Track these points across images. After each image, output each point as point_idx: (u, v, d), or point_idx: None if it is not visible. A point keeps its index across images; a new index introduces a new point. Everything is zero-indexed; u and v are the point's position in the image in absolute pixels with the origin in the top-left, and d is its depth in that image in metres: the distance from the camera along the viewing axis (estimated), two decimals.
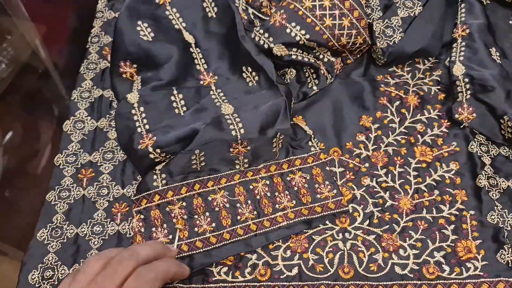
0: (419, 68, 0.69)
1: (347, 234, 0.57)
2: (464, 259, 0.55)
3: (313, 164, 0.60)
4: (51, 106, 0.70)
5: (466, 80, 0.64)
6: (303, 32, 0.62)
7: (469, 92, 0.63)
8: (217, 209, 0.57)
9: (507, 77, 0.64)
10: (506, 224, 0.57)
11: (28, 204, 0.61)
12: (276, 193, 0.58)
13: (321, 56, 0.66)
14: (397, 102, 0.66)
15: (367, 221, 0.58)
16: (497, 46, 0.67)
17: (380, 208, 0.59)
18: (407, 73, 0.69)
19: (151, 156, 0.57)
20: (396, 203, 0.59)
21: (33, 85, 0.72)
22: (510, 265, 0.54)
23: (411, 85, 0.68)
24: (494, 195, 0.59)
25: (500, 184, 0.60)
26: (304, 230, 0.57)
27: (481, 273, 0.54)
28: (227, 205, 0.57)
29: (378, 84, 0.68)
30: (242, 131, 0.57)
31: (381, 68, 0.69)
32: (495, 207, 0.58)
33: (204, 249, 0.55)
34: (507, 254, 0.54)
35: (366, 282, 0.54)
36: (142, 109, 0.60)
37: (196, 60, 0.65)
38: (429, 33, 0.65)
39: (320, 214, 0.57)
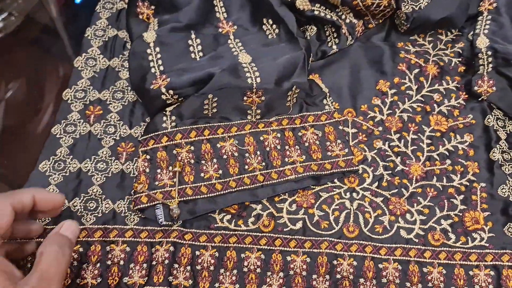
0: (441, 39, 0.68)
1: (354, 194, 0.56)
2: (471, 229, 0.54)
3: (326, 122, 0.59)
4: (62, 45, 0.69)
5: (489, 53, 0.62)
6: None
7: (491, 65, 0.62)
8: (225, 156, 0.56)
9: None
10: None
11: (34, 139, 0.59)
12: (286, 147, 0.57)
13: (343, 16, 0.65)
14: (416, 70, 0.65)
15: (376, 183, 0.57)
16: None
17: (390, 172, 0.58)
18: (428, 43, 0.67)
19: (163, 97, 0.56)
20: (407, 169, 0.58)
21: (48, 22, 0.71)
22: None
23: (431, 54, 0.66)
24: (507, 169, 0.58)
25: None
26: (312, 186, 0.56)
27: (487, 244, 0.53)
28: (236, 154, 0.56)
29: (398, 50, 0.66)
30: (258, 80, 0.56)
31: (402, 35, 0.68)
32: (507, 181, 0.57)
33: (209, 195, 0.54)
34: None
35: (370, 243, 0.53)
36: (158, 49, 0.59)
37: (216, 8, 0.64)
38: (456, 2, 0.64)
39: (329, 171, 0.56)
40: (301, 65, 0.58)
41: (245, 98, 0.56)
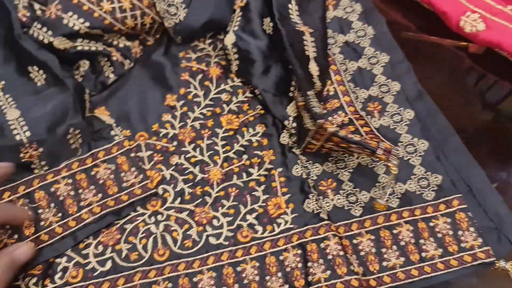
0: (221, 39, 0.69)
1: (159, 216, 0.56)
2: (275, 216, 0.56)
3: (117, 153, 0.59)
4: None
5: (235, 50, 0.65)
6: (81, 20, 0.60)
7: (237, 62, 0.65)
8: None
9: (275, 49, 0.65)
10: (311, 175, 0.59)
11: None
12: (80, 190, 0.56)
13: (114, 42, 0.64)
14: (200, 76, 0.66)
15: (179, 199, 0.57)
16: (273, 15, 0.68)
17: (191, 183, 0.58)
18: (208, 46, 0.69)
19: None
20: (206, 175, 0.59)
21: None
22: (315, 212, 0.56)
23: (213, 56, 0.68)
24: (297, 150, 0.61)
25: None
26: (116, 222, 0.56)
27: (292, 226, 0.56)
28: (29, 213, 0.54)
29: (179, 61, 0.67)
30: (27, 133, 0.54)
31: (182, 44, 0.69)
32: (298, 161, 0.60)
33: None
34: (312, 202, 0.57)
35: (181, 260, 0.54)
36: None
37: None
38: (211, 4, 0.65)
39: (126, 202, 0.56)
40: (72, 106, 0.57)
41: (21, 155, 0.54)
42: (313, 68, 0.59)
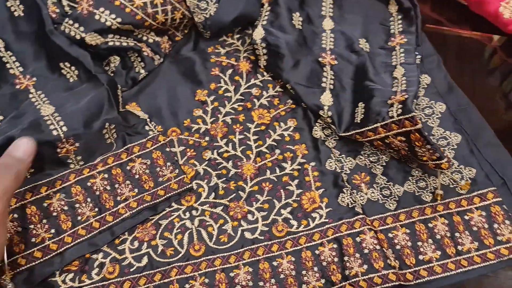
0: (249, 33, 0.69)
1: (194, 212, 0.56)
2: (310, 211, 0.56)
3: (152, 148, 0.59)
4: None
5: (263, 45, 0.64)
6: (113, 16, 0.60)
7: (265, 57, 0.65)
8: (55, 214, 0.54)
9: (304, 44, 0.65)
10: (345, 169, 0.59)
11: None
12: (116, 185, 0.56)
13: (144, 38, 0.64)
14: (230, 70, 0.66)
15: (213, 194, 0.57)
16: (303, 10, 0.68)
17: (224, 178, 0.58)
18: (237, 40, 0.69)
19: None
20: (240, 170, 0.59)
21: None
22: (350, 206, 0.56)
23: (242, 51, 0.68)
24: (330, 143, 0.61)
25: (335, 132, 0.61)
26: (150, 218, 0.56)
27: (326, 220, 0.55)
28: (66, 208, 0.54)
29: (208, 56, 0.67)
30: (64, 128, 0.54)
31: (211, 39, 0.68)
32: (332, 154, 0.59)
33: (44, 259, 0.52)
34: (347, 196, 0.57)
35: (217, 255, 0.54)
36: None
37: (8, 65, 0.60)
38: (242, 0, 0.65)
39: (163, 197, 0.56)
40: (107, 101, 0.57)
41: (58, 150, 0.54)
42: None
